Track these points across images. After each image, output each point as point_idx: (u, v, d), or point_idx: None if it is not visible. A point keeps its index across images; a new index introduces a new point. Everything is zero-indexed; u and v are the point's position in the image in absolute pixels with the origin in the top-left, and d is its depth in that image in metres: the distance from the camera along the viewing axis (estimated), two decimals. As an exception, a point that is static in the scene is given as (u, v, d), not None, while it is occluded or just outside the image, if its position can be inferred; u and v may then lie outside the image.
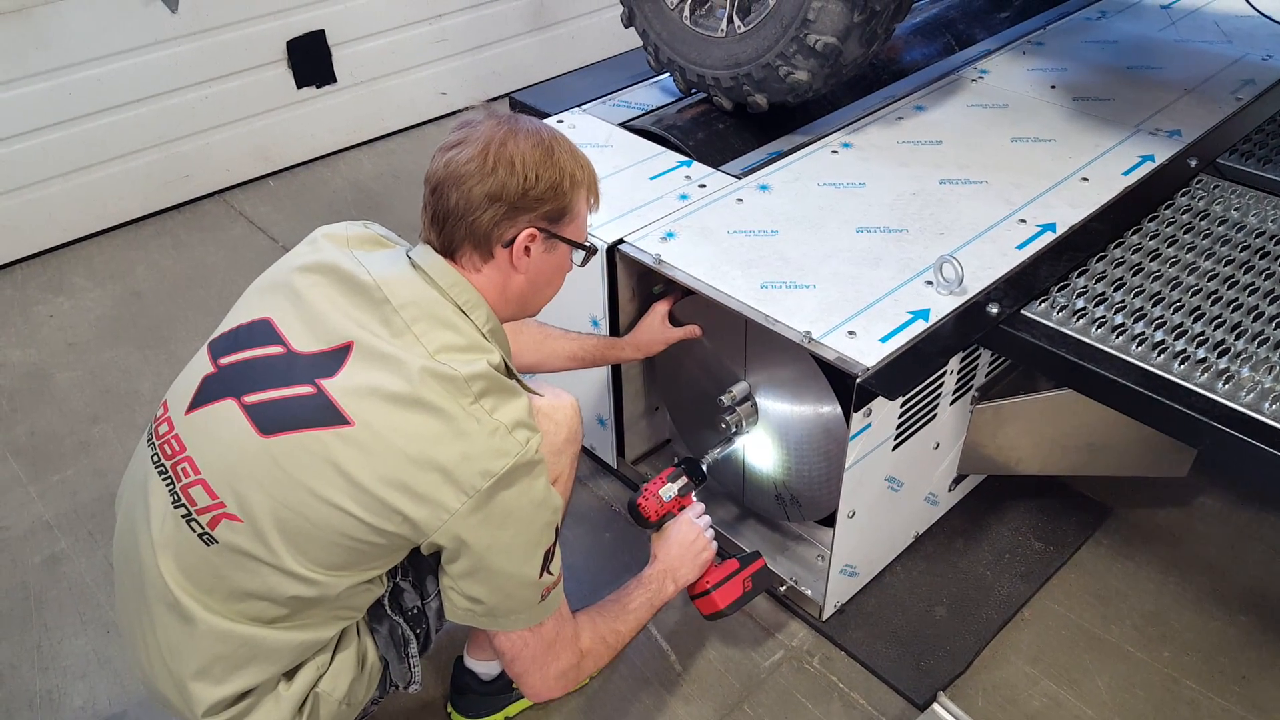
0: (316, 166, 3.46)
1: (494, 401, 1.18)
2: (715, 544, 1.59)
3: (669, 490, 1.59)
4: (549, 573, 1.26)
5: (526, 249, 1.25)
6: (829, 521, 1.72)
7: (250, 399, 1.19)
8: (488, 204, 1.20)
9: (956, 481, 1.96)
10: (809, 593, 1.81)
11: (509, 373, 1.27)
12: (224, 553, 1.18)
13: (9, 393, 2.50)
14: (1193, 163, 1.98)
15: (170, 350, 2.62)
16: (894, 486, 1.75)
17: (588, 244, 1.35)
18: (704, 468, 1.67)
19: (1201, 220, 1.84)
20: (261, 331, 1.24)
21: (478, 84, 3.60)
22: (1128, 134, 2.10)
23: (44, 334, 2.71)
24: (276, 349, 1.22)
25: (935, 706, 1.64)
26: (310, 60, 3.29)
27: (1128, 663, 1.74)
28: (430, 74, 3.55)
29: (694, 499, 1.63)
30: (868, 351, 1.52)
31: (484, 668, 1.64)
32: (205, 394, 1.23)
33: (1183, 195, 1.92)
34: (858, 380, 1.47)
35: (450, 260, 1.25)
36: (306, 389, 1.17)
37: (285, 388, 1.18)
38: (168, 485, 1.22)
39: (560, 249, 1.31)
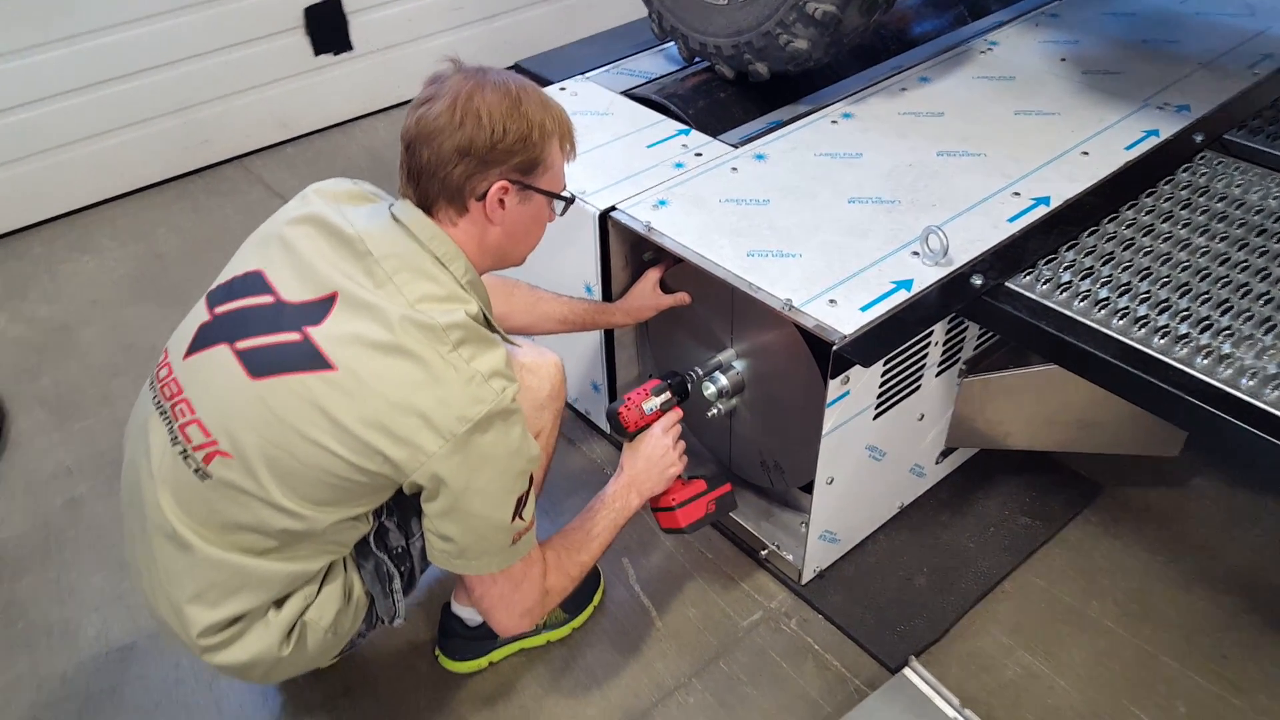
0: (333, 133, 3.51)
1: (471, 350, 1.23)
2: (685, 459, 1.62)
3: (651, 404, 1.60)
4: (521, 518, 1.31)
5: (500, 201, 1.29)
6: (811, 488, 1.75)
7: (242, 345, 1.26)
8: (458, 158, 1.24)
9: (945, 454, 1.97)
10: (789, 557, 1.84)
11: (488, 324, 1.31)
12: (217, 487, 1.25)
13: (36, 346, 2.60)
14: (1198, 138, 1.95)
15: (188, 308, 2.68)
16: (875, 456, 1.76)
17: (565, 193, 1.37)
18: (688, 385, 1.67)
19: (1200, 196, 1.82)
20: (254, 282, 1.31)
21: (492, 52, 3.61)
22: (1135, 108, 2.08)
23: (69, 291, 2.80)
24: (267, 298, 1.28)
25: (906, 670, 1.67)
26: (327, 27, 3.33)
27: (1107, 637, 1.75)
28: (445, 42, 3.57)
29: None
30: (846, 320, 1.53)
31: (469, 613, 1.70)
32: (201, 340, 1.30)
33: (1184, 171, 1.89)
34: (834, 348, 1.49)
35: (428, 214, 1.30)
36: (294, 336, 1.23)
37: (274, 334, 1.24)
38: (167, 424, 1.29)
39: (536, 199, 1.34)
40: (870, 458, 1.75)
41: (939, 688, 1.62)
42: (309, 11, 3.27)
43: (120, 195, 3.20)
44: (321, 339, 1.23)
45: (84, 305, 2.74)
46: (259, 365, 1.24)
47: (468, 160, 1.25)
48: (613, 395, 2.10)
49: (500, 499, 1.28)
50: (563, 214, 1.42)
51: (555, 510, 2.00)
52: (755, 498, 1.99)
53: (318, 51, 3.36)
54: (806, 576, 1.83)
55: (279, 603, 1.36)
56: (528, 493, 1.32)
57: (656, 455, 1.59)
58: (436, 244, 1.29)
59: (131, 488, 1.36)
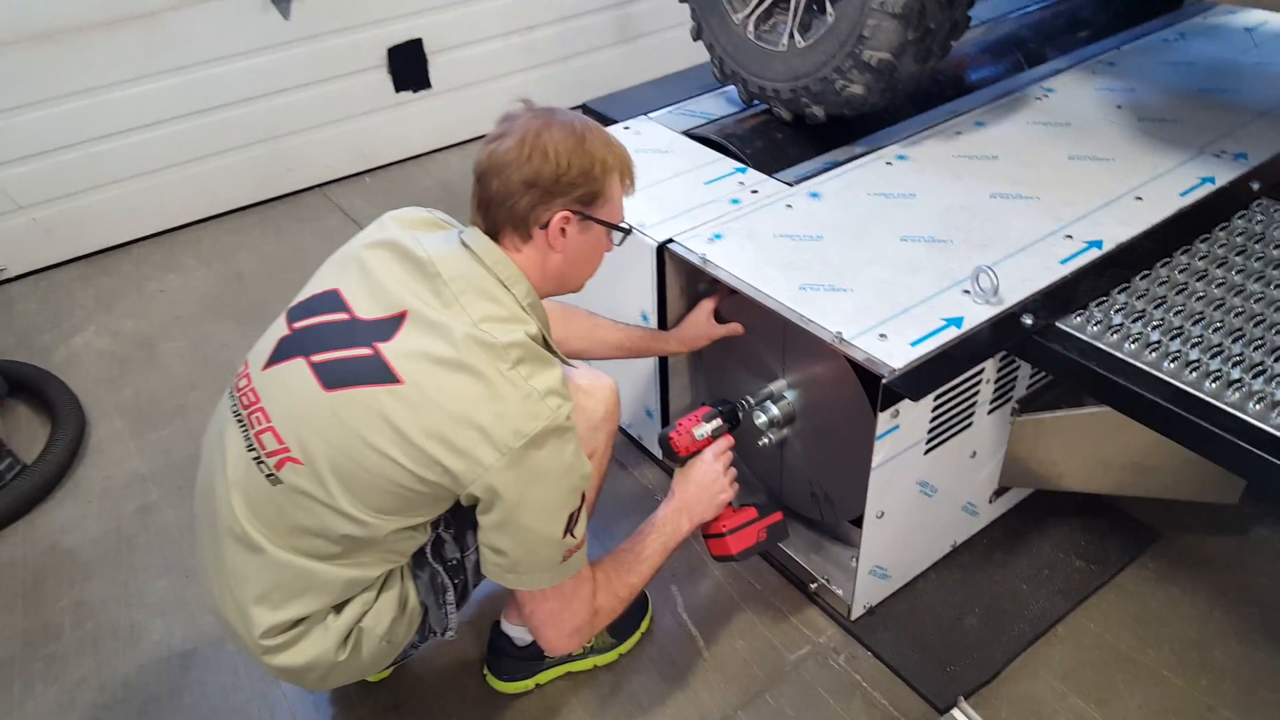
0: (408, 165, 3.66)
1: (529, 369, 1.29)
2: (736, 486, 1.64)
3: (703, 430, 1.63)
4: (572, 535, 1.35)
5: (562, 230, 1.36)
6: (861, 522, 1.76)
7: (317, 358, 1.34)
8: (525, 189, 1.32)
9: (998, 494, 1.96)
10: (839, 592, 1.85)
11: (546, 345, 1.37)
12: (287, 492, 1.32)
13: (120, 358, 2.74)
14: (1255, 185, 1.95)
15: (265, 327, 2.80)
16: (927, 492, 1.77)
17: (623, 225, 1.44)
18: (739, 413, 1.70)
19: (1256, 243, 1.81)
20: (331, 300, 1.39)
21: (562, 92, 3.74)
22: (1190, 155, 2.08)
23: (154, 307, 2.96)
24: (342, 315, 1.37)
25: (955, 711, 1.66)
26: (408, 66, 3.49)
27: (1162, 687, 1.72)
28: (518, 82, 3.71)
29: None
30: (896, 354, 1.56)
31: (519, 633, 1.74)
32: (280, 353, 1.38)
33: (1239, 217, 1.89)
34: (883, 381, 1.52)
35: (495, 241, 1.37)
36: (365, 351, 1.31)
37: (348, 349, 1.32)
38: (243, 431, 1.37)
39: (595, 229, 1.41)
40: (921, 493, 1.76)
41: (985, 727, 1.62)
42: (392, 51, 3.44)
43: (207, 218, 3.38)
44: (390, 354, 1.30)
45: (167, 321, 2.89)
46: (332, 378, 1.32)
47: (534, 191, 1.33)
48: (665, 422, 2.15)
49: (552, 514, 1.33)
50: (620, 244, 1.49)
51: (606, 534, 2.04)
52: (805, 530, 2.01)
53: (398, 88, 3.52)
54: (856, 612, 1.84)
55: (338, 608, 1.41)
56: (579, 510, 1.36)
57: (707, 481, 1.62)
58: (501, 268, 1.36)
59: (206, 491, 1.44)
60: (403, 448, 1.27)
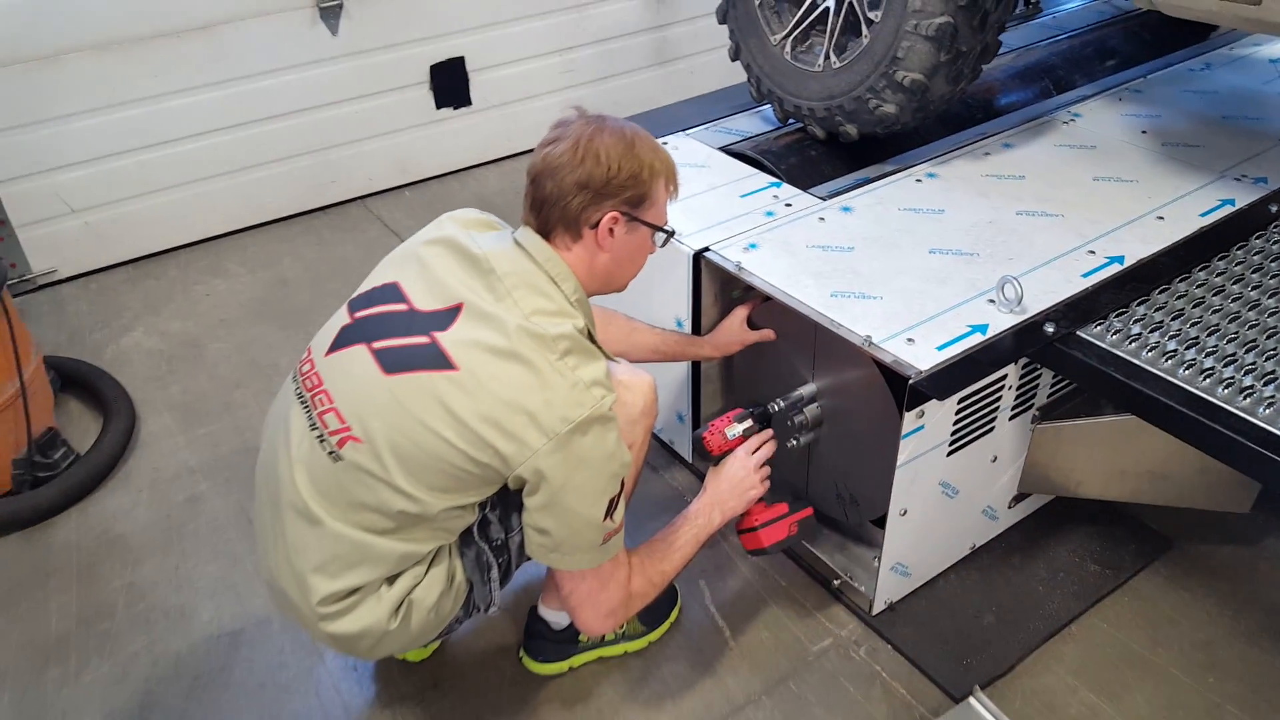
0: (448, 180, 3.78)
1: (576, 360, 1.38)
2: (768, 483, 1.73)
3: (734, 429, 1.72)
4: (611, 519, 1.43)
5: (610, 230, 1.46)
6: (884, 523, 1.83)
7: (378, 345, 1.43)
8: (577, 190, 1.42)
9: (1017, 500, 2.03)
10: (862, 588, 1.92)
11: (591, 339, 1.46)
12: (348, 469, 1.41)
13: (168, 357, 2.85)
14: (1274, 208, 2.03)
15: (308, 331, 2.87)
16: (949, 493, 1.85)
17: (667, 227, 1.54)
18: (770, 414, 1.78)
19: (1272, 262, 1.89)
20: (391, 292, 1.49)
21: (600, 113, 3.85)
22: (1212, 178, 2.16)
23: (201, 310, 3.07)
24: (401, 306, 1.46)
25: (971, 700, 1.73)
26: (450, 83, 3.62)
27: (1171, 684, 1.78)
28: (556, 101, 3.83)
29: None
30: (923, 357, 1.65)
31: (555, 616, 1.82)
32: (342, 340, 1.48)
33: (1258, 237, 1.97)
34: (910, 381, 1.60)
35: (546, 240, 1.47)
36: (423, 339, 1.40)
37: (407, 337, 1.42)
38: (306, 412, 1.47)
39: (641, 231, 1.51)
40: (943, 494, 1.84)
41: (1002, 718, 1.68)
42: (434, 69, 3.56)
43: (252, 226, 3.50)
44: (447, 343, 1.39)
45: (213, 323, 3.00)
46: (391, 363, 1.41)
47: (585, 193, 1.43)
48: (696, 426, 2.23)
49: (594, 498, 1.41)
50: (663, 245, 1.58)
51: (639, 532, 2.08)
52: (830, 531, 2.08)
53: (439, 105, 3.65)
54: (877, 608, 1.91)
55: (390, 580, 1.50)
56: (619, 496, 1.44)
57: (739, 476, 1.70)
58: (551, 265, 1.46)
59: (268, 467, 1.53)
60: (457, 430, 1.36)
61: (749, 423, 1.75)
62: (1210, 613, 1.91)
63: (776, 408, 1.89)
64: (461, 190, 3.72)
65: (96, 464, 2.38)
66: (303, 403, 1.49)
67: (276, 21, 3.21)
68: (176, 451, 2.49)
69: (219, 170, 3.34)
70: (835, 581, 1.97)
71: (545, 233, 1.49)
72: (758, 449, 1.73)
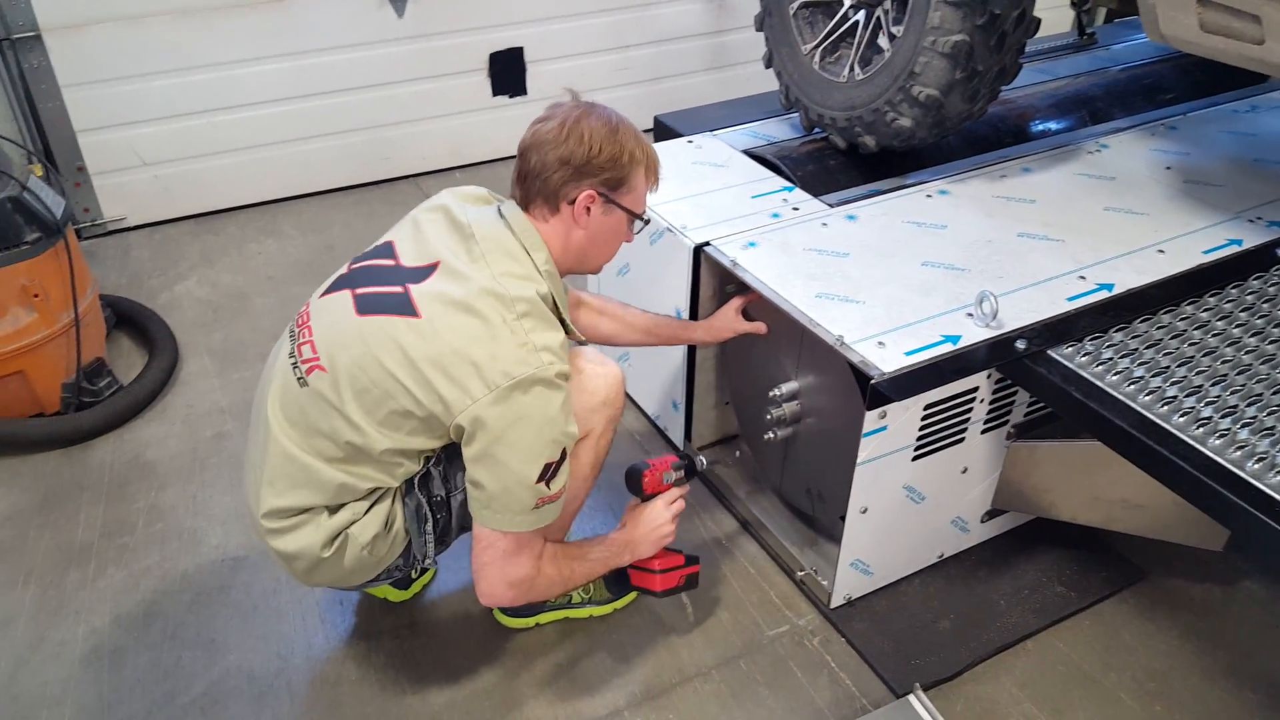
0: (498, 165, 3.92)
1: (532, 324, 1.49)
2: (675, 534, 1.83)
3: (670, 476, 1.84)
4: (547, 485, 1.52)
5: (587, 209, 1.57)
6: (849, 519, 1.89)
7: (360, 291, 1.58)
8: (558, 166, 1.53)
9: (991, 515, 2.07)
10: (824, 582, 1.98)
11: (556, 310, 1.56)
12: (310, 395, 1.56)
13: (215, 306, 3.05)
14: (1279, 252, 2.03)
15: (344, 294, 3.10)
16: (914, 498, 1.90)
17: (643, 215, 1.63)
18: (696, 468, 1.90)
19: (1265, 303, 1.89)
20: (385, 249, 1.65)
21: (650, 110, 3.92)
22: (1225, 218, 2.16)
23: (252, 266, 3.27)
24: (389, 261, 1.61)
25: (910, 697, 1.78)
26: (507, 72, 3.77)
27: (1116, 707, 1.80)
28: (609, 97, 3.87)
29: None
30: (890, 360, 1.70)
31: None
32: (335, 285, 1.64)
33: (1256, 278, 1.97)
34: (872, 382, 1.66)
35: (525, 211, 1.58)
36: (398, 289, 1.54)
37: (385, 286, 1.56)
38: (292, 344, 1.63)
39: (616, 214, 1.61)
40: (908, 498, 1.89)
41: (938, 717, 1.72)
42: (494, 57, 3.72)
43: (309, 194, 3.70)
44: (416, 294, 1.53)
45: (261, 279, 3.19)
46: (365, 306, 1.56)
47: (566, 169, 1.54)
48: (689, 415, 2.32)
49: (529, 456, 1.48)
50: (638, 233, 1.68)
51: (615, 517, 2.20)
52: (804, 527, 2.15)
53: (496, 92, 3.80)
54: (836, 601, 1.97)
55: (332, 510, 1.61)
56: (558, 464, 1.52)
57: (654, 524, 1.80)
58: (526, 236, 1.58)
59: (261, 388, 1.69)
60: (408, 370, 1.48)
61: (680, 474, 1.86)
62: (1172, 645, 1.92)
63: (702, 463, 1.94)
64: (509, 176, 3.83)
65: (137, 395, 2.58)
66: (291, 336, 1.65)
67: (346, 1, 3.39)
68: (211, 392, 2.67)
69: (282, 138, 3.54)
70: (800, 573, 2.03)
71: (526, 205, 1.61)
72: (675, 500, 1.83)
